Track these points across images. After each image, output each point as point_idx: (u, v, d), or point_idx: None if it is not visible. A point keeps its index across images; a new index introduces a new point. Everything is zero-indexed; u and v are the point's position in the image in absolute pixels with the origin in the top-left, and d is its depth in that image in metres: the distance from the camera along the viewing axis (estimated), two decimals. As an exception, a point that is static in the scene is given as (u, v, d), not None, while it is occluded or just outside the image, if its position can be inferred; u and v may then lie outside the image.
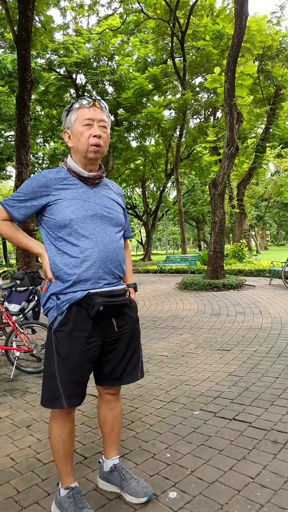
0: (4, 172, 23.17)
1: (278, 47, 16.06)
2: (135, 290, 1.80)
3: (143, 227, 32.08)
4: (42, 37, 11.96)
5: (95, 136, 1.56)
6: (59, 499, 1.62)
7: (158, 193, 27.18)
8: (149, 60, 19.54)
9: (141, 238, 41.92)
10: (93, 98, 1.60)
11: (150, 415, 2.59)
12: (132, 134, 21.12)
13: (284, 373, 3.21)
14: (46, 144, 23.59)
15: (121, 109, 18.98)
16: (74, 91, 19.29)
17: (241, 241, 15.73)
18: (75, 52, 17.18)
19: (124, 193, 29.26)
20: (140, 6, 16.72)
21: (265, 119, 18.15)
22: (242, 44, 9.53)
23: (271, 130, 17.77)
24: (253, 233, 39.73)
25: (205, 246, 39.15)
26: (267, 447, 2.07)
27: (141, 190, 29.26)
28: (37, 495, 1.79)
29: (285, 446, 2.07)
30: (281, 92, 16.98)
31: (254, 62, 15.10)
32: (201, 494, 1.72)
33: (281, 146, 19.49)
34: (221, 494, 1.70)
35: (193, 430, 2.33)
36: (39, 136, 22.01)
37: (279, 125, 18.09)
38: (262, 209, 39.39)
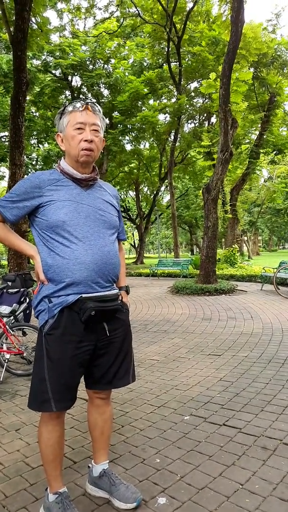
0: (-3, 172, 23.03)
1: (273, 54, 16.29)
2: (127, 293, 1.80)
3: (136, 230, 32.10)
4: (38, 38, 11.94)
5: (86, 140, 1.55)
6: (47, 504, 1.60)
7: (152, 196, 27.25)
8: (145, 64, 19.65)
9: (134, 241, 41.93)
10: (87, 101, 1.59)
11: (140, 419, 2.59)
12: (127, 137, 21.17)
13: (274, 379, 3.22)
14: (40, 145, 23.52)
15: (116, 112, 19.03)
16: (70, 93, 19.29)
17: (233, 246, 15.83)
18: (71, 54, 17.19)
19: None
20: (137, 10, 16.82)
21: (259, 125, 18.36)
22: (238, 50, 9.64)
23: (265, 136, 17.97)
24: (246, 238, 40.02)
25: (198, 250, 39.33)
26: (256, 453, 2.08)
27: (134, 193, 29.31)
28: (25, 500, 1.77)
29: (275, 453, 2.08)
30: (275, 99, 17.21)
31: (249, 69, 15.27)
32: (190, 500, 1.71)
33: (274, 152, 19.71)
34: (210, 500, 1.70)
35: (183, 435, 2.33)
36: (33, 137, 21.95)
37: (273, 131, 18.31)
38: (255, 214, 39.73)
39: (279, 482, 1.81)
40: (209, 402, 2.81)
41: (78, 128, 1.56)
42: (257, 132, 18.94)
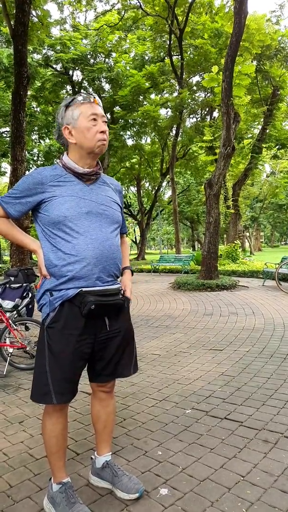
0: (-1, 168, 23.03)
1: (277, 46, 16.08)
2: (132, 272, 1.84)
3: (138, 226, 32.08)
4: (39, 32, 11.87)
5: (101, 131, 1.57)
6: (51, 494, 1.63)
7: (153, 192, 27.18)
8: (147, 57, 19.50)
9: (135, 237, 41.91)
10: (92, 94, 1.62)
11: (142, 413, 2.61)
12: (128, 132, 21.08)
13: (276, 374, 3.24)
14: (41, 141, 23.45)
15: (118, 106, 18.93)
16: (71, 88, 19.19)
17: (235, 242, 15.80)
18: (72, 48, 17.08)
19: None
20: (139, 2, 16.65)
21: (262, 119, 18.23)
22: (241, 43, 9.55)
23: (267, 131, 17.85)
24: (248, 234, 39.94)
25: (199, 246, 39.30)
26: (258, 446, 2.10)
27: (136, 188, 29.25)
28: (30, 489, 1.80)
29: (276, 445, 2.10)
30: (279, 92, 17.05)
31: (252, 62, 15.12)
32: (192, 491, 1.74)
33: (277, 147, 19.58)
34: (211, 492, 1.73)
35: (185, 428, 2.35)
36: (35, 132, 21.88)
37: (276, 126, 18.17)
38: (257, 210, 39.60)
39: (280, 474, 1.83)
40: (210, 396, 2.83)
41: (93, 119, 1.57)
42: (260, 127, 18.81)
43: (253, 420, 2.41)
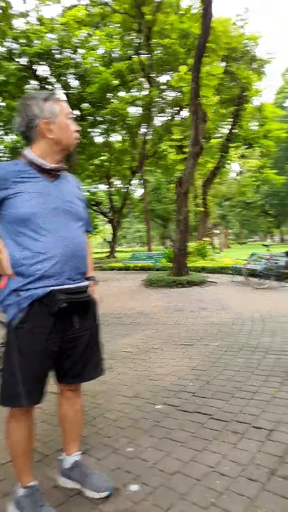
0: None
1: (243, 49, 16.50)
2: (96, 283, 1.80)
3: (109, 225, 31.87)
4: (1, 23, 11.41)
5: (76, 130, 1.63)
6: (17, 499, 1.57)
7: (124, 190, 27.09)
8: (115, 55, 19.36)
9: (106, 236, 41.65)
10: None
11: (113, 410, 2.58)
12: (98, 130, 20.88)
13: (244, 367, 3.31)
14: (4, 136, 22.66)
15: (86, 103, 18.67)
16: (37, 83, 18.69)
17: (204, 239, 16.06)
18: (37, 41, 16.63)
19: (88, 190, 28.94)
20: (106, -2, 16.51)
21: (232, 119, 18.62)
22: (208, 44, 9.68)
23: (235, 130, 18.27)
24: (217, 231, 40.73)
25: (170, 243, 39.63)
26: (227, 438, 2.13)
27: (106, 186, 29.04)
28: (-6, 497, 1.72)
29: (244, 436, 2.14)
30: (245, 94, 17.49)
31: (220, 63, 15.40)
32: (162, 485, 1.74)
33: (245, 147, 20.09)
34: (181, 484, 1.73)
35: (155, 424, 2.35)
36: None
37: (243, 126, 18.63)
38: (226, 208, 40.50)
39: (248, 463, 1.87)
40: (181, 391, 2.85)
41: (70, 118, 1.60)
42: (229, 127, 19.20)
43: (222, 412, 2.45)
